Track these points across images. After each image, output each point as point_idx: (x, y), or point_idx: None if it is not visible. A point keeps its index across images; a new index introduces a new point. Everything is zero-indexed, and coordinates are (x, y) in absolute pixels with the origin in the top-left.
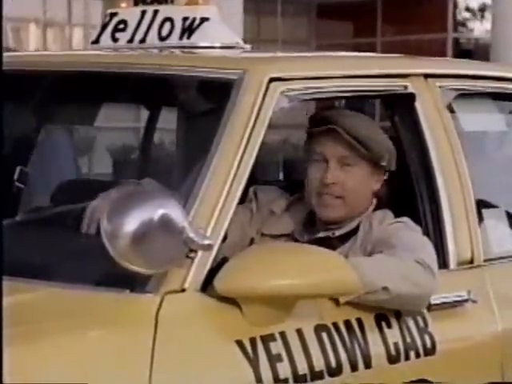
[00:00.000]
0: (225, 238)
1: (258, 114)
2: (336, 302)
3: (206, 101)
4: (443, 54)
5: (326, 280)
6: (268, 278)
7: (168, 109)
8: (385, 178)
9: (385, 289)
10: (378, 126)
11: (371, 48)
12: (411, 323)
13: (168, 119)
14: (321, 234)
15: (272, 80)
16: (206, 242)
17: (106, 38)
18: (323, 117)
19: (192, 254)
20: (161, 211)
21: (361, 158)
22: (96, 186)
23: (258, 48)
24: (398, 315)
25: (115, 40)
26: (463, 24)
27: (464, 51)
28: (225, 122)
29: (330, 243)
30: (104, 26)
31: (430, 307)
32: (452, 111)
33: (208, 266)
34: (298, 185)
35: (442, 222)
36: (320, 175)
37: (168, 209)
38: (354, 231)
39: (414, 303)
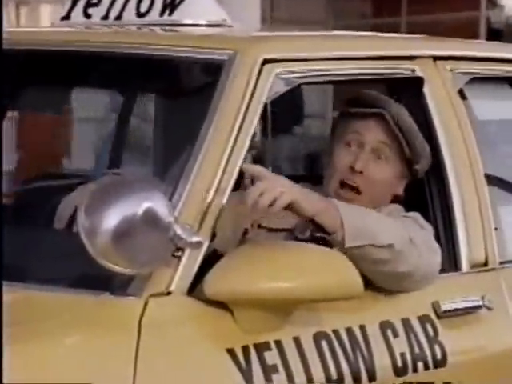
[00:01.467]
0: (214, 236)
1: (251, 99)
2: (337, 307)
3: (191, 85)
4: (475, 35)
5: (326, 282)
6: (263, 280)
7: (148, 94)
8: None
9: (390, 246)
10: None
11: (395, 29)
12: (419, 331)
13: (149, 106)
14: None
15: (266, 61)
16: (195, 239)
17: (77, 14)
18: (368, 99)
19: (179, 253)
20: (145, 205)
21: (397, 154)
22: (69, 180)
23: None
24: (406, 322)
25: (88, 16)
26: (493, 1)
27: (494, 31)
28: (214, 108)
29: None
30: (75, 1)
31: (440, 314)
32: (464, 98)
33: (196, 267)
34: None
35: (454, 219)
36: (349, 160)
37: (153, 202)
38: None
39: (415, 274)
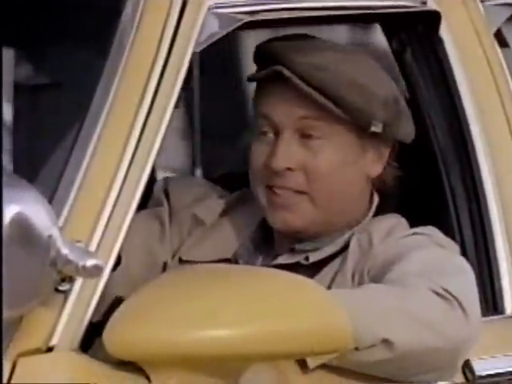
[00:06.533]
0: (119, 260)
1: (172, 45)
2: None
3: (80, 28)
4: None
5: (294, 329)
6: (193, 328)
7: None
8: (389, 155)
9: (385, 342)
10: (368, 63)
11: None
12: None
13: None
14: (284, 260)
15: None
16: (91, 262)
17: None
18: (266, 52)
19: (65, 286)
20: (13, 209)
21: (335, 121)
22: None
23: None
24: None
25: None
26: None
27: None
28: (114, 61)
29: (302, 274)
30: None
31: (473, 380)
32: (504, 44)
33: (92, 307)
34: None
35: (491, 238)
36: (265, 155)
37: (25, 205)
38: (342, 252)
39: (434, 366)
